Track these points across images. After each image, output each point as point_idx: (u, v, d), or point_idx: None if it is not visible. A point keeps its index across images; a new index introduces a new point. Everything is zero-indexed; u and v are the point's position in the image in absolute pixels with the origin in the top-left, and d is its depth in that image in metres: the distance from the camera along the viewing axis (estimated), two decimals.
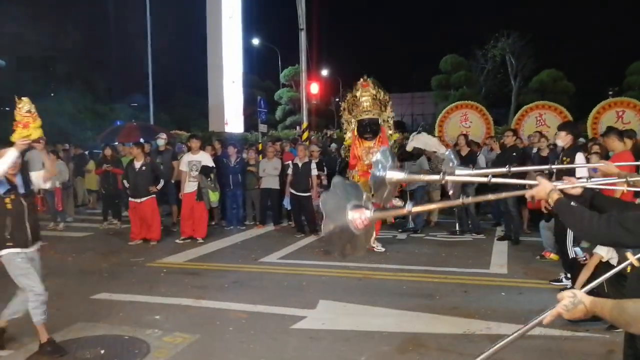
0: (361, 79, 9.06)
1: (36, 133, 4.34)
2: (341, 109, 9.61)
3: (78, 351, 4.64)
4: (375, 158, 2.50)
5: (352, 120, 9.08)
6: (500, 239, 9.25)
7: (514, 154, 9.10)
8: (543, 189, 2.41)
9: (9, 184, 4.43)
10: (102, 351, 4.64)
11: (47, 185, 5.04)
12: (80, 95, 29.49)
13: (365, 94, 8.85)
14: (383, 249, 8.42)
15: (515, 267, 7.33)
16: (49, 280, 6.96)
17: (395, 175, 2.42)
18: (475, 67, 32.40)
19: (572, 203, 2.33)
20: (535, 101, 16.25)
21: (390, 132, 9.18)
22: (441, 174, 2.44)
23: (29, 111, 4.34)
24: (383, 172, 2.41)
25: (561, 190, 2.43)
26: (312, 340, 4.82)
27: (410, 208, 2.31)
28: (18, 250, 4.51)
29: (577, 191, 2.57)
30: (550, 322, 1.88)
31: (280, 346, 4.69)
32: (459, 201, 2.41)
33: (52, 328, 5.15)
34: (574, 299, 1.84)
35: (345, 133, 9.53)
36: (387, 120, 9.11)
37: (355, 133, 8.89)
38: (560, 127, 6.38)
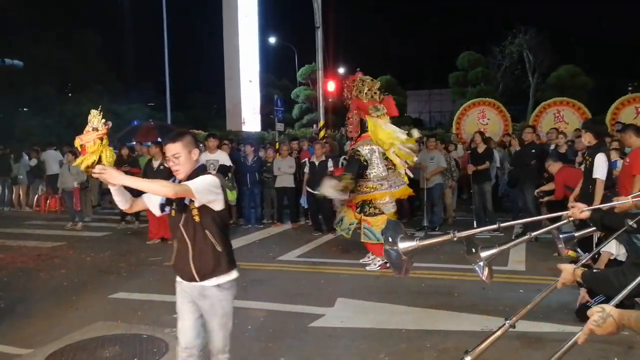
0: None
1: (88, 160, 3.14)
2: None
3: (97, 350, 4.67)
4: (383, 232, 2.53)
5: None
6: (519, 236, 9.13)
7: (533, 150, 9.01)
8: (567, 273, 2.46)
9: None
10: (121, 350, 4.67)
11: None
12: (97, 96, 29.78)
13: (359, 91, 7.89)
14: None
15: (534, 264, 7.25)
16: (68, 280, 7.12)
17: (408, 245, 2.45)
18: (493, 63, 32.10)
19: (595, 270, 2.40)
20: (553, 97, 16.05)
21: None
22: (452, 233, 2.45)
23: (95, 128, 3.18)
24: (395, 247, 2.46)
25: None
26: (330, 338, 4.81)
27: (456, 235, 2.39)
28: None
29: (585, 215, 2.68)
30: (585, 340, 1.85)
31: (299, 344, 4.68)
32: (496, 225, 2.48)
33: (72, 326, 5.23)
34: (602, 313, 1.82)
35: None
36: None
37: None
38: (584, 126, 6.30)
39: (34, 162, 14.75)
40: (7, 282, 7.24)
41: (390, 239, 2.45)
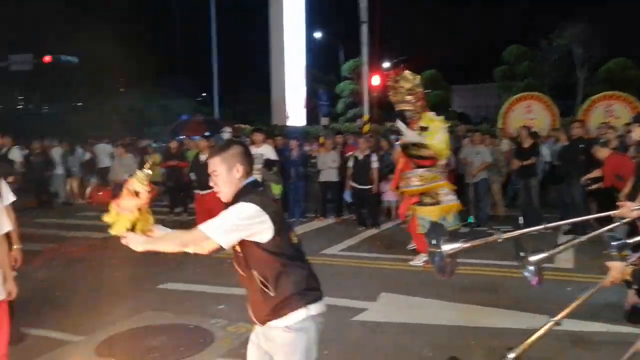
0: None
1: (121, 224, 2.66)
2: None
3: (146, 339, 4.82)
4: (427, 235, 2.50)
5: None
6: (567, 232, 8.91)
7: (581, 145, 8.77)
8: (616, 271, 2.42)
9: None
10: (168, 339, 4.79)
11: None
12: (148, 91, 30.55)
13: (394, 89, 7.83)
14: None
15: (582, 261, 7.05)
16: (118, 270, 7.34)
17: (452, 246, 2.42)
18: (540, 57, 31.23)
19: None
20: (603, 91, 15.50)
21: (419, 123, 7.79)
22: (497, 233, 2.41)
23: (136, 192, 2.67)
24: (439, 249, 2.44)
25: None
26: (373, 332, 4.83)
27: (501, 236, 2.37)
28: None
29: (637, 214, 2.64)
30: None
31: (342, 338, 4.72)
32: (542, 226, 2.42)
33: (122, 316, 5.41)
34: None
35: None
36: (417, 111, 7.77)
37: None
38: (636, 119, 6.08)
39: (87, 155, 15.26)
40: (61, 271, 7.54)
41: (433, 241, 2.44)
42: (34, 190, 13.62)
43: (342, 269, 7.17)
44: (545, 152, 10.92)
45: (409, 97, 7.52)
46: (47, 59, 19.18)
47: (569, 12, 29.33)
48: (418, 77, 7.70)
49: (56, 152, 14.75)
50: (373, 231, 9.76)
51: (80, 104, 32.78)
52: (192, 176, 10.05)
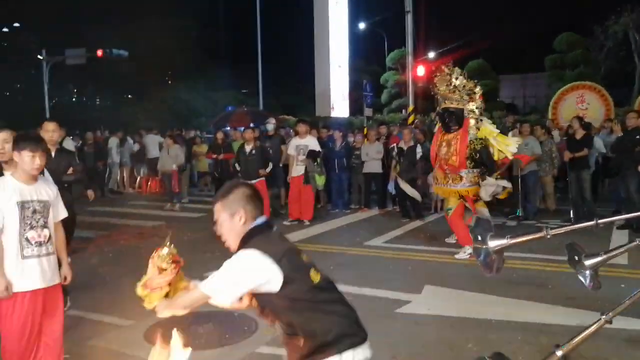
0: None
1: (154, 297, 2.62)
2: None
3: (192, 325, 4.91)
4: (472, 230, 2.42)
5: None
6: (621, 227, 8.62)
7: (638, 136, 8.44)
8: None
9: None
10: (214, 326, 4.88)
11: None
12: (194, 82, 31.04)
13: (441, 81, 7.76)
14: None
15: (638, 257, 6.80)
16: None
17: (498, 243, 2.34)
18: (594, 45, 30.13)
19: None
20: None
21: (477, 124, 7.78)
22: (544, 230, 2.30)
23: (163, 269, 2.62)
24: (485, 245, 2.36)
25: None
26: (417, 325, 4.80)
27: (549, 232, 2.27)
28: None
29: None
30: None
31: (386, 329, 4.70)
32: (593, 222, 2.30)
33: None
34: None
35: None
36: (474, 111, 7.76)
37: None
38: None
39: (136, 147, 15.66)
40: (112, 257, 7.78)
41: (479, 237, 2.38)
42: (87, 180, 14.07)
43: (385, 260, 7.14)
44: (599, 143, 10.56)
45: (466, 97, 7.42)
46: (100, 53, 19.73)
47: None
48: (465, 74, 7.64)
49: (113, 142, 15.21)
50: (417, 223, 9.68)
51: (130, 96, 33.59)
52: (237, 167, 10.19)
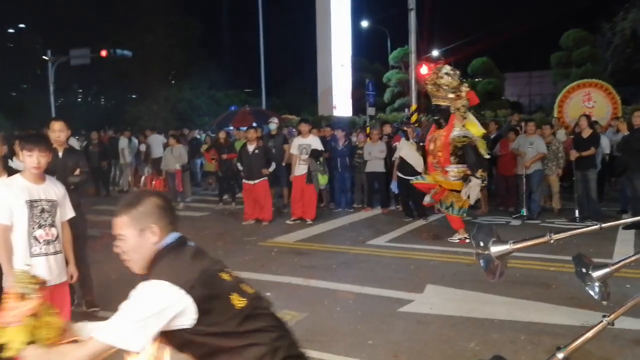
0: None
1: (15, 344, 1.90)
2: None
3: None
4: (474, 236, 2.40)
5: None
6: (627, 227, 8.56)
7: None
8: None
9: None
10: None
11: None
12: (198, 82, 31.08)
13: (430, 79, 8.27)
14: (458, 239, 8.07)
15: None
16: None
17: (501, 248, 2.32)
18: (601, 42, 29.95)
19: None
20: None
21: (462, 122, 8.04)
22: (548, 234, 2.28)
23: (23, 296, 2.03)
24: (487, 251, 2.34)
25: None
26: (419, 324, 4.77)
27: (552, 237, 2.24)
28: None
29: None
30: None
31: (388, 328, 4.69)
32: (597, 226, 2.27)
33: None
34: None
35: None
36: (459, 109, 7.99)
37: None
38: None
39: (143, 147, 15.68)
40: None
41: (481, 243, 2.35)
42: (92, 179, 14.10)
43: (388, 260, 7.11)
44: (605, 142, 10.49)
45: (451, 95, 7.77)
46: (104, 53, 19.80)
47: None
48: (458, 73, 7.85)
49: (123, 142, 15.24)
50: (420, 222, 9.65)
51: (134, 96, 33.67)
52: (240, 166, 10.20)
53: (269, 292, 5.71)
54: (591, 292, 2.16)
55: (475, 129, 7.91)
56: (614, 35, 29.76)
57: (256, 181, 9.79)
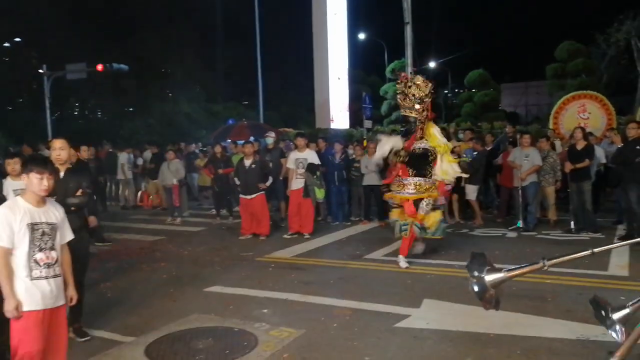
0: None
1: None
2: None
3: (192, 341, 4.93)
4: (467, 266, 2.40)
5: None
6: (622, 238, 8.61)
7: (638, 147, 8.43)
8: None
9: None
10: (214, 342, 4.89)
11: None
12: (194, 95, 31.14)
13: (399, 88, 7.78)
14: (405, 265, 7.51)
15: (638, 269, 6.79)
16: (167, 273, 7.54)
17: (495, 277, 2.32)
18: (596, 53, 30.17)
19: None
20: None
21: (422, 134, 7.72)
22: (541, 261, 2.29)
23: None
24: (481, 280, 2.34)
25: None
26: (415, 339, 4.78)
27: (546, 263, 2.25)
28: None
29: None
30: None
31: (384, 345, 4.70)
32: (589, 252, 2.28)
33: (170, 317, 5.55)
34: None
35: None
36: (422, 121, 7.62)
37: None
38: None
39: (140, 161, 15.69)
40: (114, 272, 7.79)
41: (475, 272, 2.35)
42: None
43: (385, 274, 7.13)
44: (600, 153, 10.56)
45: (417, 106, 7.45)
46: (100, 67, 19.87)
47: (628, 5, 28.18)
48: (430, 85, 7.53)
49: (123, 158, 15.27)
50: None
51: (131, 109, 33.69)
52: (237, 181, 10.22)
53: (266, 309, 5.73)
54: (614, 335, 2.14)
55: (435, 142, 7.55)
56: (609, 46, 29.97)
57: (253, 196, 9.81)
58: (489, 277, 2.30)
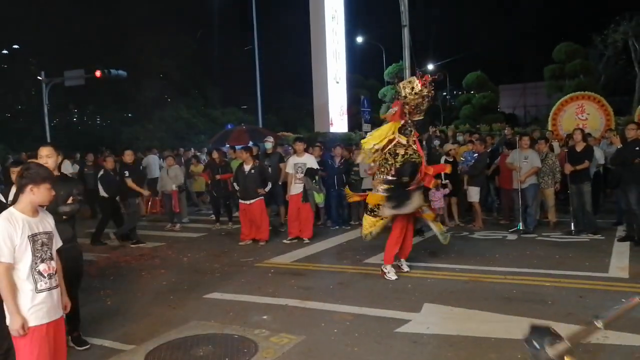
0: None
1: None
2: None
3: (192, 348, 4.91)
4: (528, 339, 2.32)
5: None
6: (622, 239, 8.59)
7: (637, 148, 8.41)
8: None
9: None
10: (214, 349, 4.87)
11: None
12: (193, 100, 31.18)
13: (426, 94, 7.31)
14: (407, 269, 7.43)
15: (639, 271, 6.77)
16: (167, 280, 7.53)
17: (559, 348, 2.24)
18: (593, 54, 30.21)
19: None
20: None
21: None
22: (595, 320, 2.22)
23: None
24: (545, 354, 2.25)
25: None
26: (416, 344, 4.76)
27: (599, 322, 2.20)
28: None
29: None
30: None
31: (384, 350, 4.68)
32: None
33: (169, 325, 5.53)
34: None
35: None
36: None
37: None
38: None
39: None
40: (114, 280, 7.77)
41: (537, 345, 2.27)
42: (88, 202, 14.08)
43: (385, 278, 7.09)
44: (599, 153, 10.56)
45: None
46: (98, 73, 19.88)
47: (625, 6, 28.25)
48: (418, 92, 7.07)
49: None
50: (417, 239, 9.61)
51: (130, 115, 33.72)
52: (236, 186, 10.21)
53: (266, 315, 5.71)
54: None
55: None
56: (606, 47, 30.02)
57: (252, 201, 9.80)
58: (552, 350, 2.21)
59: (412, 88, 7.05)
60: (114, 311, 6.20)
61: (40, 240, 3.42)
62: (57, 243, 3.70)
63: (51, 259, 3.50)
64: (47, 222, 3.58)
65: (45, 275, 3.42)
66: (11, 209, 3.46)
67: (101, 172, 10.57)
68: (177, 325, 5.49)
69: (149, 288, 7.19)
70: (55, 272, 3.53)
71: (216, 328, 5.42)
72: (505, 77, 40.36)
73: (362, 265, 7.92)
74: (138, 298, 6.72)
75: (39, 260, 3.40)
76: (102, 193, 10.32)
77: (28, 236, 3.36)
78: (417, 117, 7.21)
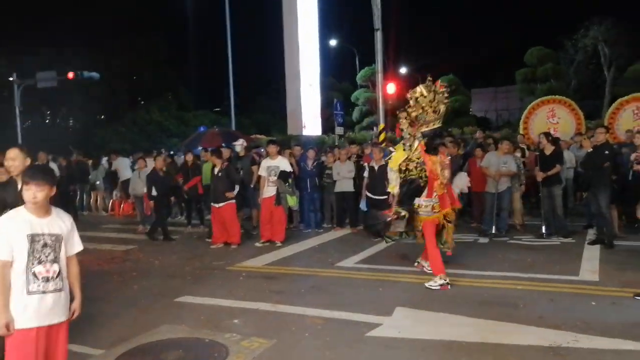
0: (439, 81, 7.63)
1: None
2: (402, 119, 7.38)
3: (162, 353, 4.82)
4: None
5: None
6: (592, 242, 8.72)
7: (606, 152, 8.56)
8: None
9: None
10: (184, 354, 4.79)
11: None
12: (166, 103, 30.87)
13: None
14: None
15: (609, 274, 6.86)
16: (138, 283, 7.39)
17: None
18: (564, 58, 30.76)
19: None
20: (632, 93, 14.98)
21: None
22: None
23: None
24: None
25: None
26: (387, 348, 4.73)
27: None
28: None
29: None
30: None
31: (355, 354, 4.64)
32: None
33: (139, 329, 5.42)
34: None
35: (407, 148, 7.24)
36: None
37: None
38: None
39: (112, 168, 15.43)
40: (85, 283, 7.50)
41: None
42: (60, 204, 13.79)
43: (357, 282, 7.06)
44: (569, 157, 10.71)
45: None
46: (71, 75, 19.58)
47: (595, 11, 28.87)
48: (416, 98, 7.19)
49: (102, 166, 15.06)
50: (388, 242, 9.63)
51: (103, 117, 33.24)
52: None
53: (237, 319, 5.63)
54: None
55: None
56: (576, 52, 30.59)
57: (221, 204, 9.69)
58: None
59: (411, 99, 7.10)
60: (83, 315, 5.95)
61: (41, 242, 3.31)
62: (75, 247, 3.61)
63: (54, 262, 3.37)
64: (58, 225, 3.46)
65: (40, 277, 3.29)
66: (20, 207, 3.39)
67: (149, 172, 10.93)
68: (147, 330, 5.38)
69: (119, 291, 7.05)
70: (57, 275, 3.39)
71: (187, 332, 5.32)
72: (477, 81, 40.87)
73: (334, 269, 7.89)
74: (109, 301, 6.57)
75: (36, 262, 3.28)
76: (152, 192, 10.65)
77: (27, 235, 3.27)
78: (424, 128, 7.08)
